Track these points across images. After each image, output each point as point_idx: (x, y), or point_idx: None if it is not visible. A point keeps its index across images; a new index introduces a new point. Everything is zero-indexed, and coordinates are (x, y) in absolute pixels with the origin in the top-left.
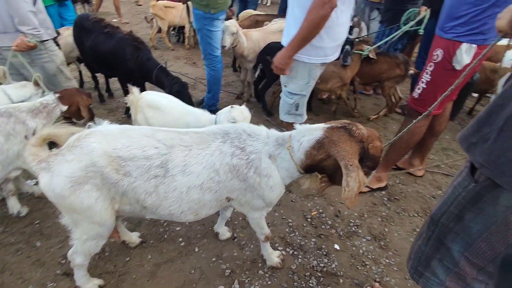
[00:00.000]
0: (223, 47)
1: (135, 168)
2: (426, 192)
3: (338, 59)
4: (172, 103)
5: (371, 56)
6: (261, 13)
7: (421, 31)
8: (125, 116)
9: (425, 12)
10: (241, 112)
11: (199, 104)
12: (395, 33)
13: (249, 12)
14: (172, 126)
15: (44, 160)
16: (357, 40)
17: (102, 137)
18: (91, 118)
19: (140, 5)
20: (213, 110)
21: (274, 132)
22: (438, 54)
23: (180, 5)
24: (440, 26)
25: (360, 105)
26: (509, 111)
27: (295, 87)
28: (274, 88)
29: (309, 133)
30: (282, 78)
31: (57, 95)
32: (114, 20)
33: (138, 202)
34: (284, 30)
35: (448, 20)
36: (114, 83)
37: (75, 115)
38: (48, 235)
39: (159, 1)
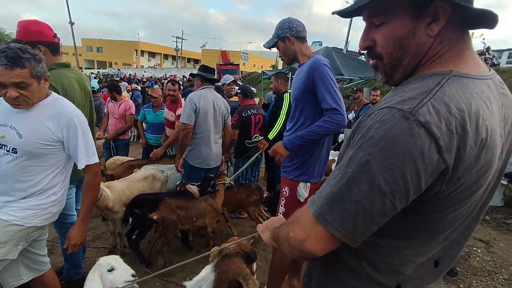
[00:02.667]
0: None
1: None
2: None
3: (207, 193)
4: None
5: (232, 183)
6: (133, 158)
7: (262, 167)
8: None
9: (263, 149)
10: (112, 258)
11: (59, 275)
12: (244, 165)
13: (120, 158)
14: None
15: None
16: (218, 173)
17: None
18: None
19: None
20: (80, 279)
21: None
22: (286, 190)
23: None
24: (283, 170)
25: (239, 230)
26: (317, 273)
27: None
28: (150, 237)
29: (204, 280)
30: (39, 252)
31: None
32: None
33: None
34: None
35: (286, 166)
36: None
37: None
38: None
39: None
